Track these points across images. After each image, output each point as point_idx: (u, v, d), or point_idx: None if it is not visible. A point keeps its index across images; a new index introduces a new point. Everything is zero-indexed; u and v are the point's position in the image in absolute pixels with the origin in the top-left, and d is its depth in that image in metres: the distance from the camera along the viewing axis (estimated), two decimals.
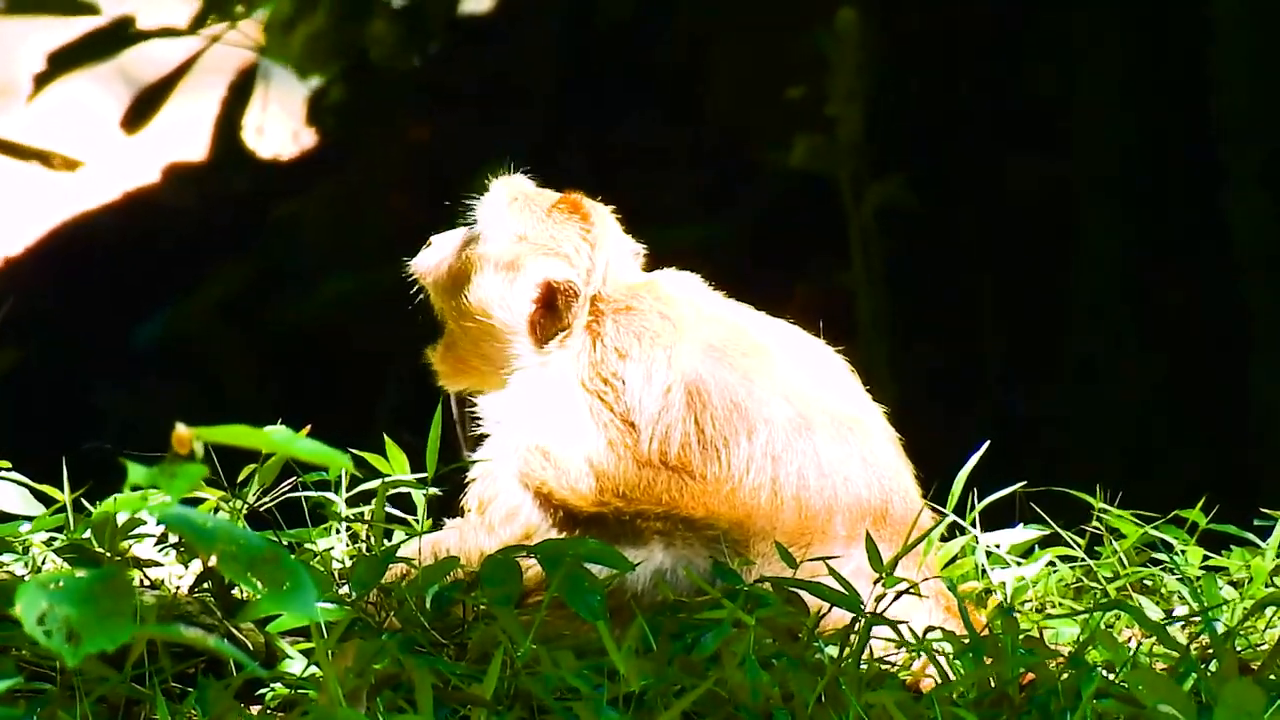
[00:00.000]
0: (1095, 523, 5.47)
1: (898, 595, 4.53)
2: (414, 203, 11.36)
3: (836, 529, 4.82)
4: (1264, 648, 4.82)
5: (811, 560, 4.66)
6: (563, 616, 4.48)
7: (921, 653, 4.43)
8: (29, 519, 4.92)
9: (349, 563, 5.03)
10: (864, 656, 4.31)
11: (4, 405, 11.75)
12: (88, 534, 4.76)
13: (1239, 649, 4.72)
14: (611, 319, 4.99)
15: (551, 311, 5.02)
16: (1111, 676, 4.28)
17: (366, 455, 5.02)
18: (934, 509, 5.14)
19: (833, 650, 4.29)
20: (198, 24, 11.71)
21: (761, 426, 4.85)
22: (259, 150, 12.12)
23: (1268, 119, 10.17)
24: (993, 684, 4.17)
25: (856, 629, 4.32)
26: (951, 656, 4.30)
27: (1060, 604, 5.30)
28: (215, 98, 11.99)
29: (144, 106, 11.72)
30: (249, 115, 12.02)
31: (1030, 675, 4.23)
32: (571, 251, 5.06)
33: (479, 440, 5.07)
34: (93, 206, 12.14)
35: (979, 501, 5.32)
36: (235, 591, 4.48)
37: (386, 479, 5.01)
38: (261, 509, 5.05)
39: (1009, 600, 5.20)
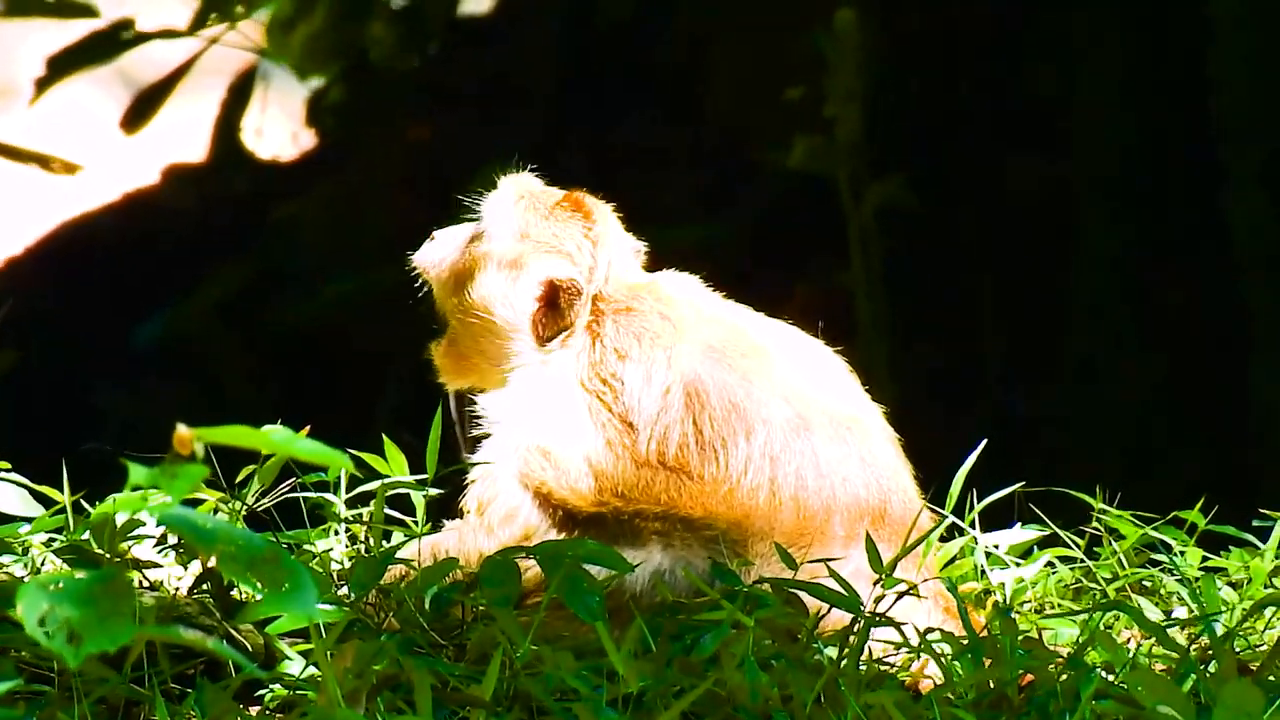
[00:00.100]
0: (1095, 523, 5.47)
1: (898, 596, 4.53)
2: (414, 203, 11.36)
3: (835, 529, 4.82)
4: (1263, 649, 4.82)
5: (811, 562, 4.66)
6: (562, 617, 4.48)
7: (921, 654, 4.43)
8: (28, 520, 4.92)
9: (348, 564, 5.03)
10: (863, 657, 4.31)
11: (4, 406, 11.75)
12: (87, 535, 4.76)
13: (1238, 650, 4.73)
14: (612, 319, 4.99)
15: (553, 310, 5.03)
16: (1111, 677, 4.28)
17: (366, 456, 5.02)
18: (933, 510, 5.14)
19: (832, 651, 4.29)
20: (197, 25, 11.71)
21: (760, 427, 4.85)
22: (258, 151, 12.12)
23: (1268, 119, 10.16)
24: (992, 685, 4.17)
25: (855, 630, 4.32)
26: (950, 657, 4.30)
27: (1059, 605, 5.30)
28: (215, 99, 11.98)
29: (143, 107, 11.72)
30: (248, 116, 12.01)
31: (1029, 676, 4.23)
32: (574, 250, 5.07)
33: (478, 440, 5.07)
34: (93, 207, 12.14)
35: (978, 502, 5.32)
36: (234, 592, 4.48)
37: (386, 480, 5.01)
38: (261, 510, 5.05)
39: (1008, 601, 5.20)
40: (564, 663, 4.07)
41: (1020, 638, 4.31)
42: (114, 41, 11.60)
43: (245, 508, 5.02)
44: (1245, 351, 10.24)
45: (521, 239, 5.11)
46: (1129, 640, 5.00)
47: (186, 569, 4.89)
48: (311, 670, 4.21)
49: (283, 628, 4.37)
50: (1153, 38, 10.44)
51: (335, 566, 5.03)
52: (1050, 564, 5.38)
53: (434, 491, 5.06)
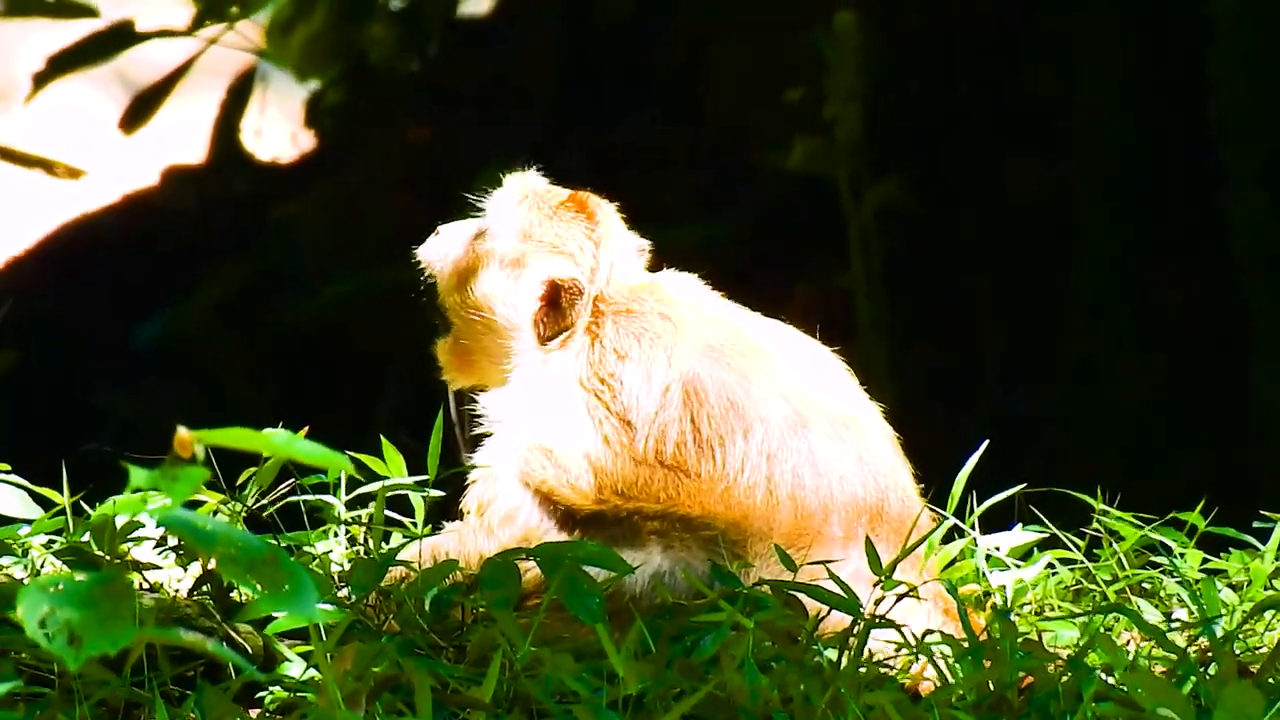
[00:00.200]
0: (1095, 525, 5.47)
1: (897, 599, 4.53)
2: (413, 204, 11.35)
3: (833, 529, 4.82)
4: (1263, 651, 4.82)
5: (810, 563, 4.66)
6: (562, 619, 4.48)
7: (920, 655, 4.42)
8: (28, 522, 4.92)
9: (348, 565, 5.03)
10: (863, 659, 4.31)
11: (4, 406, 11.75)
12: (87, 537, 4.76)
13: (1238, 652, 4.72)
14: (612, 320, 5.00)
15: (555, 309, 5.04)
16: (1111, 679, 4.28)
17: (365, 458, 5.02)
18: (934, 510, 5.13)
19: (832, 653, 4.29)
20: (195, 26, 11.71)
21: (757, 425, 4.85)
22: (258, 152, 12.12)
23: (1268, 119, 10.16)
24: (992, 687, 4.17)
25: (855, 632, 4.32)
26: (951, 659, 4.30)
27: (1059, 607, 5.29)
28: (214, 100, 11.98)
29: (142, 107, 11.72)
30: (248, 117, 12.01)
31: (1029, 678, 4.22)
32: (576, 250, 5.08)
33: (478, 440, 5.07)
34: (92, 208, 12.14)
35: (978, 502, 5.31)
36: (234, 594, 4.48)
37: (386, 482, 5.01)
38: (261, 512, 5.05)
39: (1008, 603, 5.20)
40: (564, 664, 4.07)
41: (1020, 640, 4.31)
42: (114, 41, 11.60)
43: (245, 509, 5.02)
44: (1245, 351, 10.24)
45: (524, 238, 5.12)
46: (1129, 642, 5.00)
47: (186, 571, 4.89)
48: (311, 672, 4.21)
49: (282, 629, 4.37)
50: (1153, 38, 10.44)
51: (335, 568, 5.03)
52: (1050, 566, 5.38)
53: (434, 493, 5.06)
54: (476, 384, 5.19)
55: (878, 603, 4.49)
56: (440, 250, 5.24)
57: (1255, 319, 10.21)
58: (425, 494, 5.06)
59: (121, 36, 11.62)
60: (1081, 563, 5.42)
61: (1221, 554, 5.43)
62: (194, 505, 4.97)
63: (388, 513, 5.02)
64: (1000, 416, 10.69)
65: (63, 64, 11.58)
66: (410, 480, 5.04)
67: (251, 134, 12.05)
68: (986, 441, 5.27)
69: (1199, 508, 5.48)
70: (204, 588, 4.57)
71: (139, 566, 4.84)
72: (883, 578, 4.51)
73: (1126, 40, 10.47)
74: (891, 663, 4.53)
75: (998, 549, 5.36)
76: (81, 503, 4.96)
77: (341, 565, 5.05)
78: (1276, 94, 10.16)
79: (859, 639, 4.30)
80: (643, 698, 4.04)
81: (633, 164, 11.37)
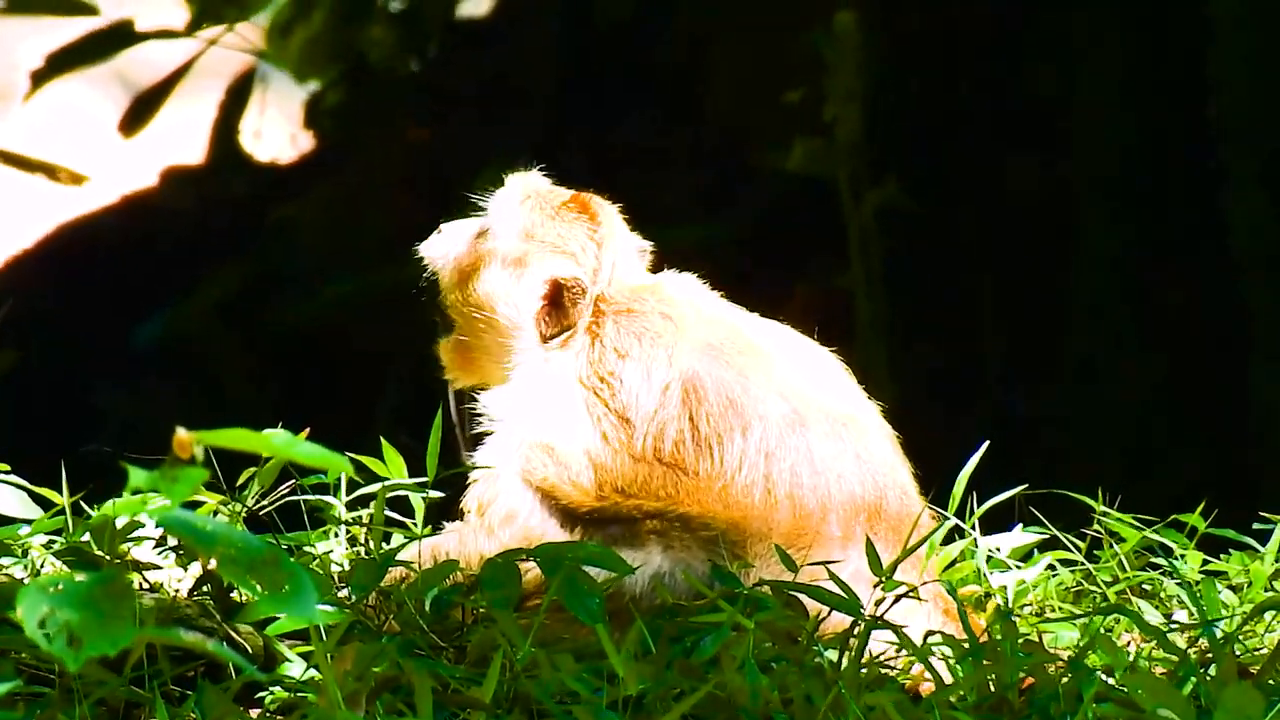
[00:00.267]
0: (1095, 526, 5.47)
1: (896, 599, 4.53)
2: (413, 205, 11.35)
3: (831, 529, 4.82)
4: (1263, 652, 4.82)
5: (811, 564, 4.66)
6: (562, 620, 4.48)
7: (921, 656, 4.42)
8: (28, 522, 4.92)
9: (348, 566, 5.03)
10: (863, 660, 4.31)
11: (4, 406, 11.75)
12: (87, 537, 4.76)
13: (1238, 653, 4.72)
14: (612, 320, 5.01)
15: (557, 308, 5.05)
16: (1111, 681, 4.28)
17: (365, 459, 5.02)
18: (934, 511, 5.13)
19: (832, 654, 4.29)
20: (191, 29, 11.70)
21: (756, 423, 4.86)
22: (257, 153, 12.12)
23: (1268, 119, 10.16)
24: (992, 688, 4.17)
25: (856, 633, 4.32)
26: (951, 660, 4.30)
27: (1060, 608, 5.29)
28: (213, 101, 11.98)
29: (142, 109, 11.71)
30: (247, 119, 12.01)
31: (1030, 679, 4.22)
32: (579, 250, 5.09)
33: (478, 439, 5.08)
34: (92, 209, 12.14)
35: (979, 503, 5.31)
36: (234, 594, 4.47)
37: (386, 483, 5.01)
38: (261, 512, 5.05)
39: (1009, 604, 5.19)
40: (564, 665, 4.07)
41: (1021, 641, 4.31)
42: (114, 40, 11.60)
43: (245, 510, 5.02)
44: (1245, 351, 10.23)
45: (527, 238, 5.13)
46: (1129, 643, 5.00)
47: (186, 571, 4.89)
48: (312, 672, 4.21)
49: (283, 629, 4.37)
50: (1153, 38, 10.43)
51: (335, 569, 5.03)
52: (1051, 567, 5.38)
53: (434, 494, 5.06)
54: (479, 383, 5.20)
55: (878, 604, 4.49)
56: (443, 248, 5.26)
57: (1255, 319, 10.21)
58: (425, 495, 5.06)
59: (121, 36, 11.62)
60: (1082, 564, 5.42)
61: (1222, 555, 5.43)
62: (194, 506, 4.97)
63: (388, 513, 5.02)
64: (1000, 417, 10.69)
65: (62, 63, 11.58)
66: (410, 481, 5.05)
67: (251, 135, 12.05)
68: (987, 443, 5.27)
69: (1199, 509, 5.47)
70: (204, 588, 4.57)
71: (139, 567, 4.84)
72: (883, 579, 4.51)
73: (1126, 40, 10.47)
74: (892, 663, 4.53)
75: (998, 550, 5.36)
76: (81, 503, 4.96)
77: (342, 566, 5.05)
78: (1276, 94, 10.16)
79: (860, 640, 4.30)
80: (643, 698, 4.04)
81: (633, 164, 11.37)
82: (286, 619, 4.33)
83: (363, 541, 5.18)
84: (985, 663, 4.23)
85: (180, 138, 12.02)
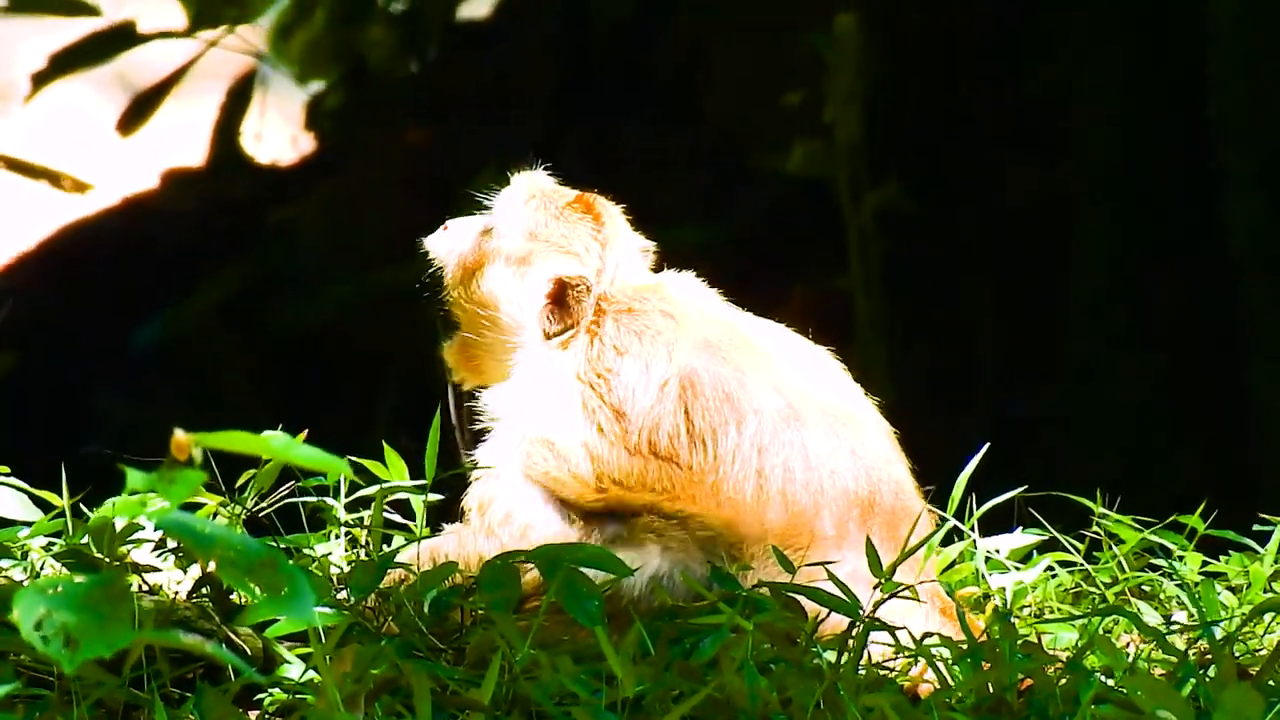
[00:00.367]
0: (1095, 527, 5.47)
1: (887, 597, 4.53)
2: (413, 206, 11.35)
3: (825, 528, 4.83)
4: (1262, 653, 4.82)
5: (810, 565, 4.67)
6: (561, 621, 4.48)
7: (920, 658, 4.42)
8: (27, 524, 4.92)
9: (347, 568, 5.03)
10: (862, 661, 4.31)
11: (3, 408, 11.75)
12: (86, 539, 4.76)
13: (1237, 655, 4.72)
14: (613, 319, 5.02)
15: (560, 308, 5.06)
16: (1110, 682, 4.28)
17: (365, 461, 5.03)
18: (934, 513, 5.13)
19: (831, 655, 4.29)
20: (194, 28, 11.70)
21: (750, 417, 4.87)
22: (257, 155, 12.12)
23: (1267, 119, 10.15)
24: (991, 689, 4.17)
25: (854, 634, 4.32)
26: (950, 662, 4.30)
27: (1059, 609, 5.29)
28: (214, 103, 11.98)
29: (140, 108, 11.71)
30: (247, 120, 12.01)
31: (1028, 681, 4.22)
32: (582, 250, 5.11)
33: (478, 437, 5.08)
34: (92, 211, 12.14)
35: (978, 504, 5.32)
36: (233, 597, 4.48)
37: (385, 485, 5.01)
38: (260, 514, 5.05)
39: (1008, 605, 5.19)
40: (563, 667, 4.08)
41: (1019, 642, 4.31)
42: (115, 41, 11.60)
43: (244, 512, 5.02)
44: (1244, 351, 10.23)
45: (531, 237, 5.15)
46: (1128, 645, 5.00)
47: (186, 573, 4.89)
48: (311, 674, 4.21)
49: (281, 631, 4.37)
50: (1153, 38, 10.43)
51: (335, 570, 5.03)
52: (1050, 568, 5.38)
53: (434, 496, 5.06)
54: (482, 384, 5.21)
55: (877, 605, 4.49)
56: (448, 244, 5.27)
57: (1254, 319, 10.21)
58: (424, 496, 5.06)
59: (122, 37, 11.63)
60: (1081, 565, 5.42)
61: (1221, 557, 5.43)
62: (193, 508, 4.97)
63: (389, 515, 5.03)
64: (1000, 417, 10.68)
65: (63, 64, 11.58)
66: (409, 483, 5.05)
67: (251, 137, 12.05)
68: (987, 444, 5.27)
69: (1199, 510, 5.47)
70: (203, 590, 4.57)
71: (138, 569, 4.84)
72: (882, 580, 4.51)
73: (1126, 40, 10.47)
74: (891, 664, 4.53)
75: (997, 551, 5.36)
76: (81, 505, 4.96)
77: (341, 567, 5.05)
78: (1276, 94, 10.15)
79: (858, 641, 4.30)
80: (642, 700, 4.04)
81: (632, 164, 11.37)
82: (285, 621, 4.32)
83: (362, 543, 5.18)
84: (984, 664, 4.23)
85: (181, 139, 12.02)
